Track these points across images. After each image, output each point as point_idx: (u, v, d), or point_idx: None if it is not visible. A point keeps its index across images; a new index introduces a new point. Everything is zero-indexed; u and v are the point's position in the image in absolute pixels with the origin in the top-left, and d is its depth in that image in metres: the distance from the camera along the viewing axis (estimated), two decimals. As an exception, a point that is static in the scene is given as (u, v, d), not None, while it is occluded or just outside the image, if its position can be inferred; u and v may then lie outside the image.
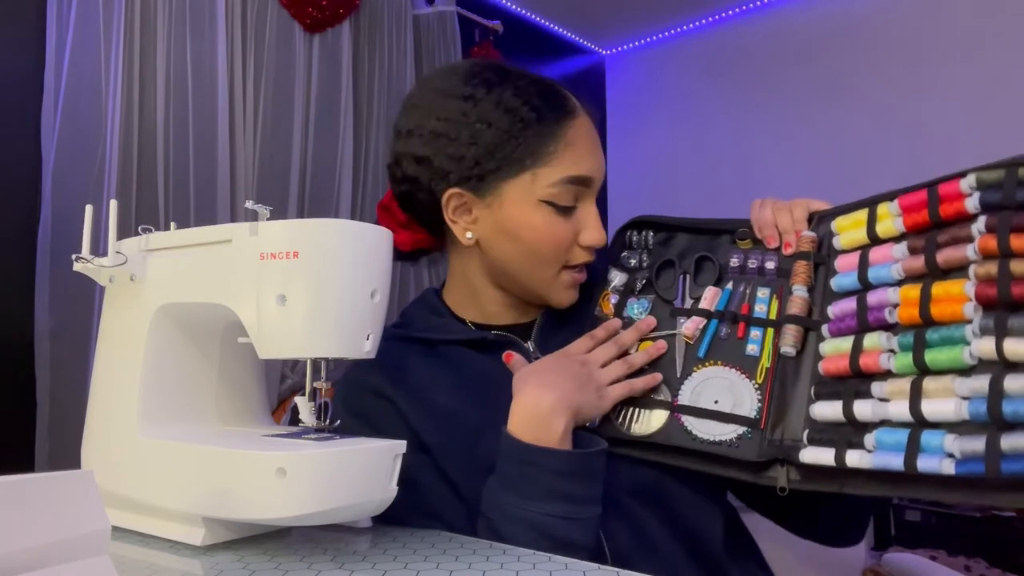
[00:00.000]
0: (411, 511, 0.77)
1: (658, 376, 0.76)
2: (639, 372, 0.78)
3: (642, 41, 3.18)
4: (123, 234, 0.74)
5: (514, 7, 2.84)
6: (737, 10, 2.88)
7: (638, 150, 3.14)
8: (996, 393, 0.56)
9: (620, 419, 0.78)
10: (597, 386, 0.74)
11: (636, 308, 0.84)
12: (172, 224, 0.78)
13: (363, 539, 0.70)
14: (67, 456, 1.51)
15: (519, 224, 0.80)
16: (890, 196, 0.71)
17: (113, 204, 0.72)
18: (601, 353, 0.77)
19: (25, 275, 1.55)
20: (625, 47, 3.25)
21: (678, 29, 3.06)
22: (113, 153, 1.66)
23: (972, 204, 0.63)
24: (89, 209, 0.73)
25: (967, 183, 0.64)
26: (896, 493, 0.64)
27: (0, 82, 1.57)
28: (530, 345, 0.86)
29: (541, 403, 0.71)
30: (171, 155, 1.78)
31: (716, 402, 0.74)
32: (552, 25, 3.02)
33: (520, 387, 0.74)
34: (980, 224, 0.62)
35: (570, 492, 0.69)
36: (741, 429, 0.72)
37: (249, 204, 0.68)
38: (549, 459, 0.69)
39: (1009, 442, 0.55)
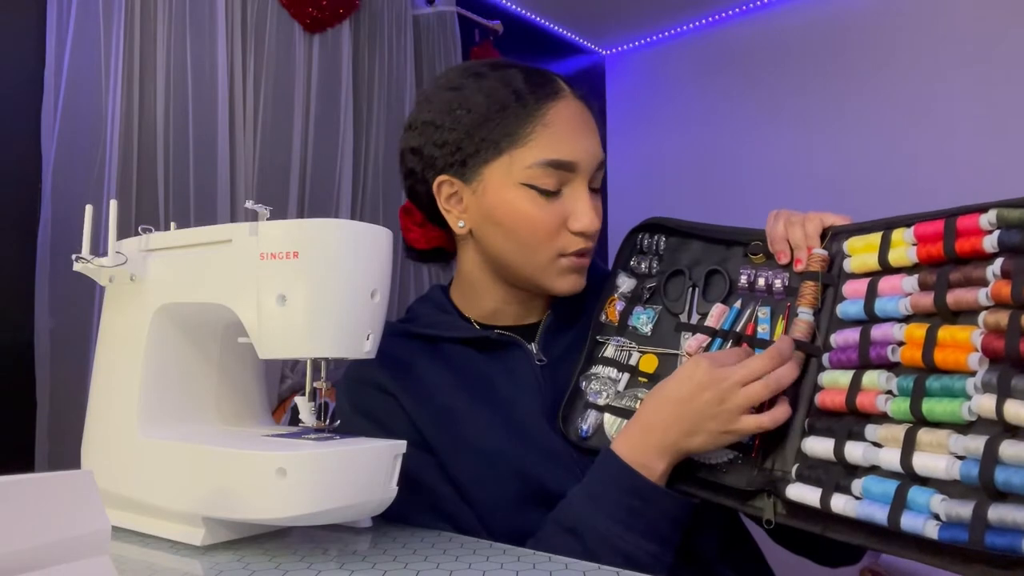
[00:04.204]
0: (416, 510, 0.77)
1: (788, 410, 0.68)
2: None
3: (642, 41, 3.18)
4: (123, 234, 0.74)
5: (514, 7, 2.84)
6: (737, 10, 2.88)
7: (638, 150, 3.14)
8: (990, 457, 0.52)
9: (613, 429, 0.78)
10: (726, 420, 0.67)
11: (642, 318, 0.82)
12: (172, 224, 0.78)
13: (363, 539, 0.70)
14: (67, 456, 1.50)
15: (502, 209, 0.80)
16: (907, 221, 0.66)
17: (113, 204, 0.72)
18: (755, 365, 0.67)
19: (25, 275, 1.55)
20: (625, 47, 3.24)
21: (678, 29, 3.05)
22: (113, 153, 1.66)
23: (990, 243, 0.59)
24: (89, 209, 0.73)
25: (987, 219, 0.59)
26: (878, 548, 0.60)
27: (0, 82, 1.57)
28: (534, 347, 0.86)
29: (647, 443, 0.70)
30: (171, 155, 1.78)
31: None
32: (552, 25, 3.02)
33: (644, 403, 0.73)
34: (996, 267, 0.57)
35: (668, 536, 0.69)
36: (732, 454, 0.70)
37: (249, 204, 0.68)
38: (665, 502, 0.69)
39: (997, 513, 0.51)
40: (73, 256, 0.72)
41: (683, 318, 0.79)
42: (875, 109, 2.55)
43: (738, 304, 0.77)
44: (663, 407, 0.70)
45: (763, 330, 0.74)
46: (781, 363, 0.68)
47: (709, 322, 0.77)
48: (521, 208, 0.79)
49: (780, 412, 0.67)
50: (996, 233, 0.59)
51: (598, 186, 0.84)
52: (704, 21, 2.98)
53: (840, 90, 2.63)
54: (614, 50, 3.27)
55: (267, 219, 0.67)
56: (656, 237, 0.85)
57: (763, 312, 0.75)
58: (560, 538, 0.70)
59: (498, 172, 0.79)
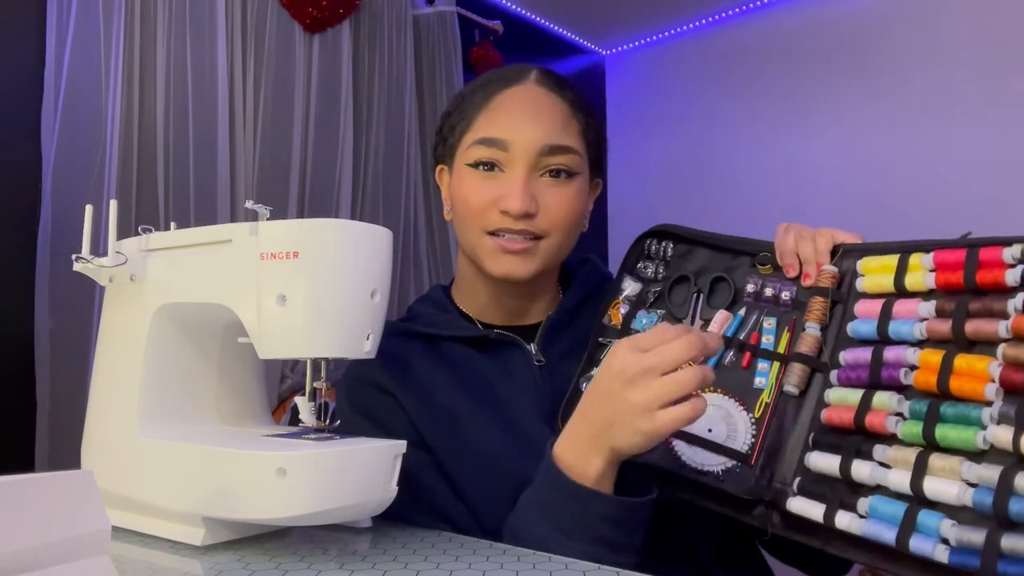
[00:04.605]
0: (414, 509, 0.77)
1: (703, 404, 0.62)
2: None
3: (642, 41, 3.18)
4: (123, 234, 0.74)
5: (514, 7, 2.84)
6: (737, 10, 2.88)
7: (638, 150, 3.14)
8: (1005, 487, 0.53)
9: None
10: (641, 413, 0.61)
11: (645, 322, 0.81)
12: (172, 224, 0.78)
13: (363, 539, 0.70)
14: (67, 456, 1.50)
15: (455, 191, 0.85)
16: (926, 247, 0.66)
17: (113, 204, 0.72)
18: (673, 353, 0.61)
19: (25, 275, 1.55)
20: (625, 47, 3.24)
21: (678, 29, 3.05)
22: (113, 153, 1.66)
23: (1012, 277, 0.59)
24: (89, 209, 0.73)
25: (1011, 253, 0.60)
26: (880, 566, 0.60)
27: (0, 82, 1.57)
28: (533, 347, 0.86)
29: (580, 436, 0.67)
30: (171, 155, 1.78)
31: (710, 431, 0.71)
32: (552, 25, 3.02)
33: (580, 403, 0.69)
34: (1018, 301, 0.58)
35: (613, 539, 0.66)
36: (730, 463, 0.70)
37: (249, 204, 0.68)
38: (595, 503, 0.65)
39: (1010, 543, 0.52)
40: (73, 256, 0.72)
41: (686, 323, 0.79)
42: (876, 110, 2.55)
43: (742, 312, 0.77)
44: (589, 397, 0.67)
45: (767, 340, 0.74)
46: (703, 353, 0.62)
47: (712, 328, 0.77)
48: (463, 187, 0.83)
49: (701, 401, 0.61)
50: (1019, 268, 0.59)
51: (558, 170, 0.81)
52: (704, 21, 2.98)
53: (840, 91, 2.63)
54: (614, 50, 3.27)
55: (267, 219, 0.67)
56: (664, 243, 0.85)
57: (768, 323, 0.75)
58: (509, 542, 0.69)
59: (457, 157, 0.85)
